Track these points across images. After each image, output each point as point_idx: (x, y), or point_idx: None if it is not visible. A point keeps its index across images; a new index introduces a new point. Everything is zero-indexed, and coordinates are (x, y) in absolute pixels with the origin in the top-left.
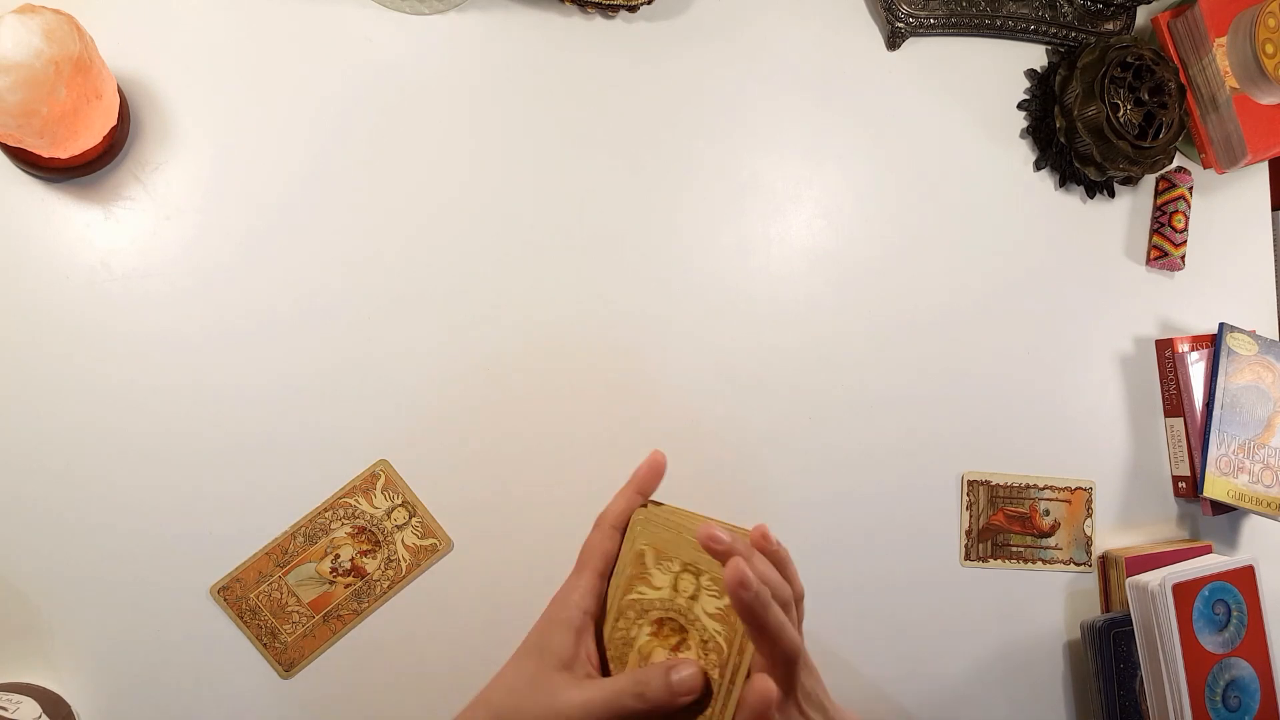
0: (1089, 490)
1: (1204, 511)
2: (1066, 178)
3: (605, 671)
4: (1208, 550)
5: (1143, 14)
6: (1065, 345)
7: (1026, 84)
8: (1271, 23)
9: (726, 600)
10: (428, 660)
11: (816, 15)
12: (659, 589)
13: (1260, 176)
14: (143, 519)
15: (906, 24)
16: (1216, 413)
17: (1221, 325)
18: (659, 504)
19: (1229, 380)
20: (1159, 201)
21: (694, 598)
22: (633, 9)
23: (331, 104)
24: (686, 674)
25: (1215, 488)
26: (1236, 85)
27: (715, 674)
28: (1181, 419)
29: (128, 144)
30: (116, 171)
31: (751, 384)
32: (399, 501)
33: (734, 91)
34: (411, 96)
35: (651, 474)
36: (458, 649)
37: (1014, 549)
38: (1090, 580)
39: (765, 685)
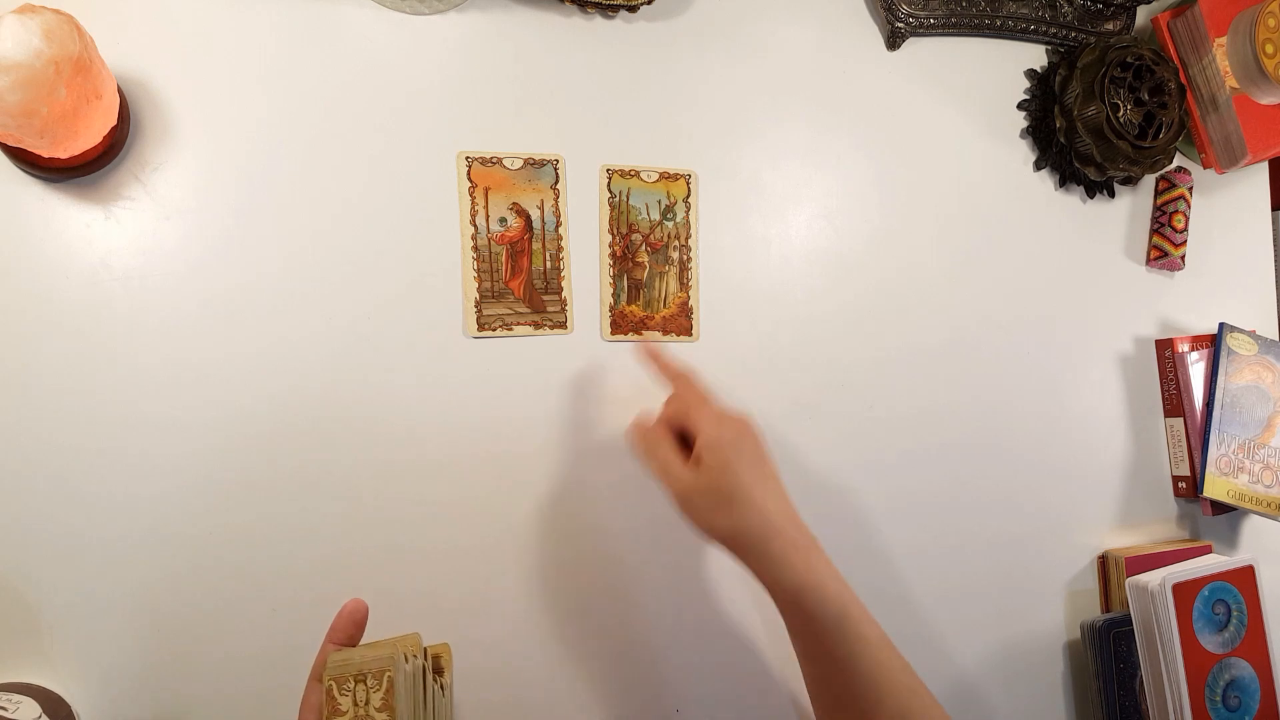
0: None
1: (1204, 511)
2: (1066, 178)
3: None
4: (1208, 550)
5: (1143, 14)
6: (1065, 345)
7: (1026, 84)
8: (1271, 23)
9: (383, 692)
10: None
11: (816, 15)
12: (345, 712)
13: (1260, 176)
14: (142, 519)
15: (906, 24)
16: (1216, 413)
17: (1221, 325)
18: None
19: (1229, 380)
20: (1159, 201)
21: (369, 702)
22: (633, 9)
23: (331, 104)
24: None
25: (1215, 488)
26: (1236, 85)
27: None
28: (1181, 419)
29: (128, 144)
30: (116, 171)
31: (750, 384)
32: None
33: (734, 91)
34: (412, 96)
35: (347, 623)
36: None
37: None
38: (1090, 580)
39: None
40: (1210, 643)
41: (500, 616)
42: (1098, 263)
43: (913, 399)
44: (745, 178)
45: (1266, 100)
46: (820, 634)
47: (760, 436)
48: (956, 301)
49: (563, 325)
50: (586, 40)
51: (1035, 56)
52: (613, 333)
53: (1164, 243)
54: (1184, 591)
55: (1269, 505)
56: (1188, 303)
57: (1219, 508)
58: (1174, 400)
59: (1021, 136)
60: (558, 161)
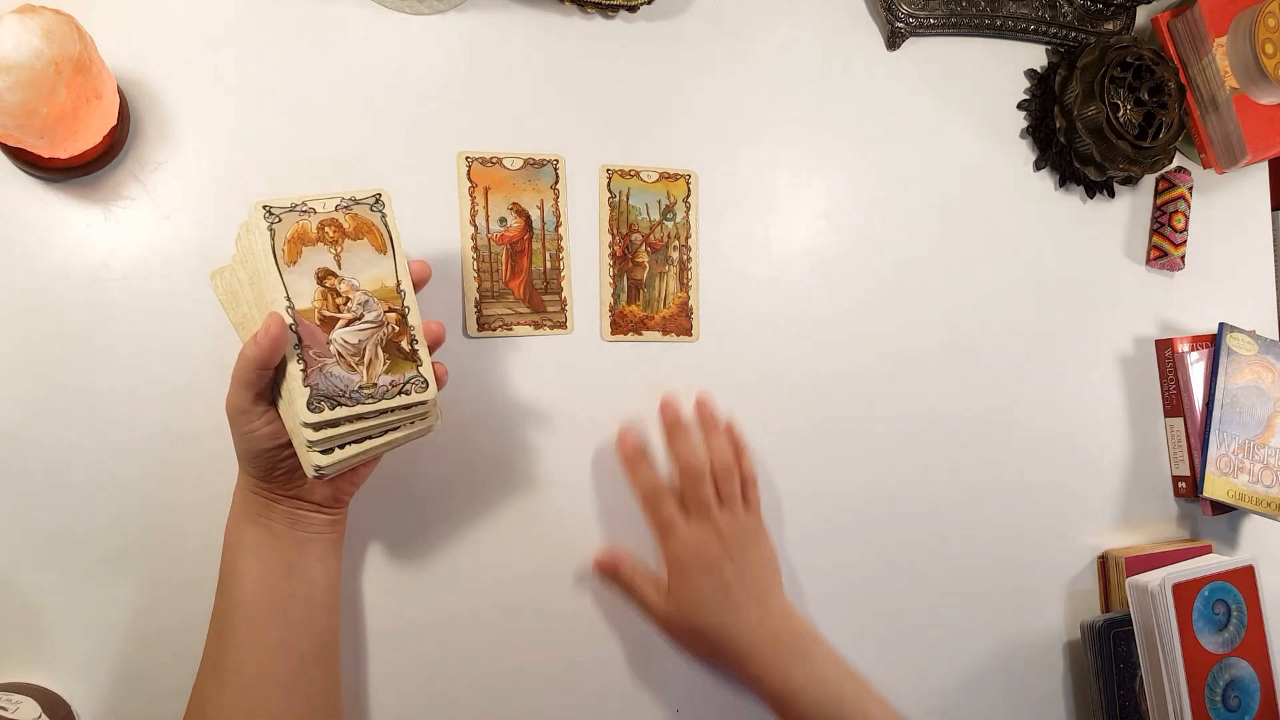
0: None
1: (1204, 511)
2: (1066, 178)
3: None
4: (1208, 550)
5: (1143, 14)
6: (1065, 345)
7: (1026, 84)
8: (1271, 23)
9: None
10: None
11: (816, 15)
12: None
13: (1260, 176)
14: (142, 520)
15: (906, 24)
16: (1216, 413)
17: (1221, 325)
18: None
19: (1229, 380)
20: (1159, 201)
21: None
22: (633, 9)
23: (331, 104)
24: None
25: (1215, 488)
26: (1236, 85)
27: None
28: (1181, 419)
29: (128, 144)
30: (116, 171)
31: (750, 384)
32: None
33: (734, 91)
34: (411, 96)
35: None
36: None
37: None
38: (1090, 580)
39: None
40: (1210, 643)
41: (497, 619)
42: (1098, 263)
43: (913, 399)
44: (745, 178)
45: (1266, 100)
46: None
47: (734, 550)
48: (956, 301)
49: (563, 325)
50: (586, 40)
51: (1035, 56)
52: (613, 333)
53: (1164, 243)
54: (1184, 591)
55: (1269, 505)
56: (1188, 303)
57: (1219, 508)
58: (1174, 400)
59: (1021, 136)
60: (558, 161)
